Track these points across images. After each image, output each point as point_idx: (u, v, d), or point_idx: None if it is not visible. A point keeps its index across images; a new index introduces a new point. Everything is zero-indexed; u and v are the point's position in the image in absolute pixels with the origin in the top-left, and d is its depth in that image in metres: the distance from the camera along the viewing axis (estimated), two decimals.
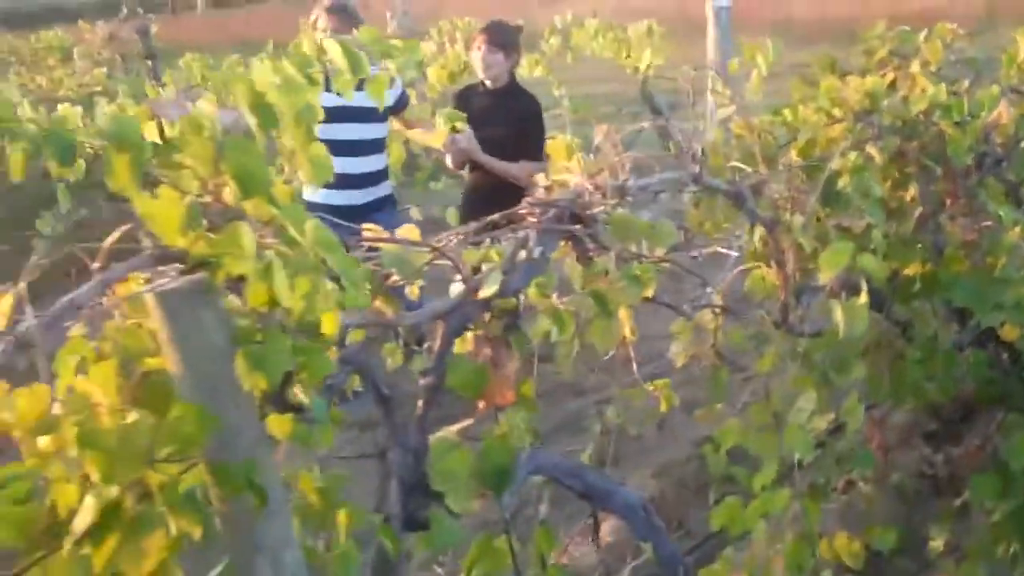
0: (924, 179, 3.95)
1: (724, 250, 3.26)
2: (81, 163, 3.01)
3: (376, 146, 5.47)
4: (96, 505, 1.48)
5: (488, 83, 5.63)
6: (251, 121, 1.75)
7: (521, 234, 2.34)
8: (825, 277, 2.86)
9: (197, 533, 1.57)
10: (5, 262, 2.47)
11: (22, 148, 2.40)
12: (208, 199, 1.72)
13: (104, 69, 8.98)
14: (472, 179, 5.70)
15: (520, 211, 2.43)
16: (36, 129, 2.40)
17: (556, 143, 2.96)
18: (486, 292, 2.17)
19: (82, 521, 1.47)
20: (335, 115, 5.09)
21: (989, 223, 3.88)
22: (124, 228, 1.65)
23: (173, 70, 9.14)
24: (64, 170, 2.53)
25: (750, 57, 3.94)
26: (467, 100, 5.72)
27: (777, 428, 3.13)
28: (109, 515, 1.48)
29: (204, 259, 1.65)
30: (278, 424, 1.67)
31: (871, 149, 3.63)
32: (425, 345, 2.32)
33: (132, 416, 1.49)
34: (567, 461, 2.42)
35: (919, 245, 3.69)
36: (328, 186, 4.85)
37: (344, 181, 5.12)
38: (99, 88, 8.01)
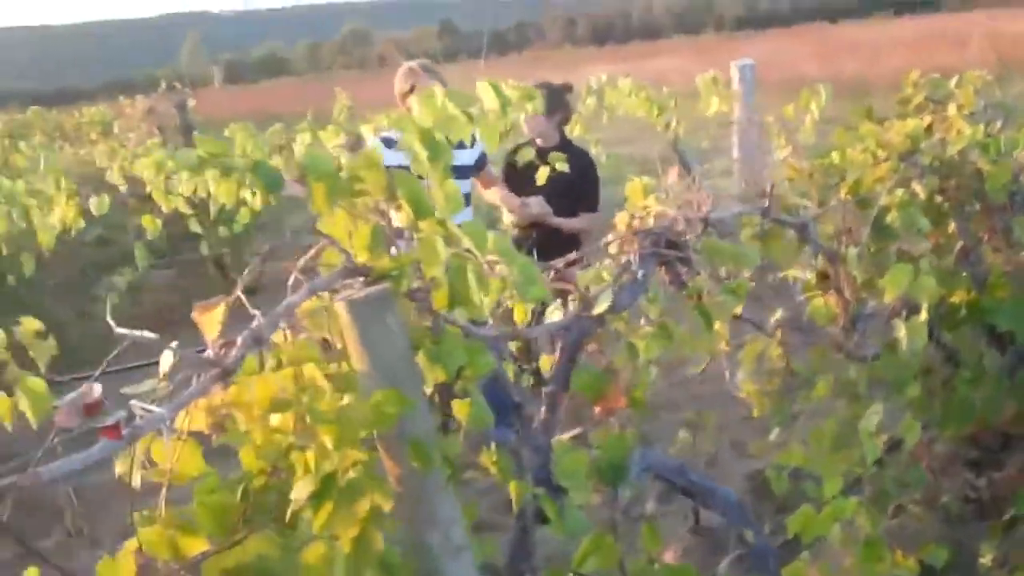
0: (962, 215, 4.23)
1: (796, 273, 3.50)
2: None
3: (467, 200, 5.75)
4: (317, 477, 1.75)
5: (539, 142, 5.90)
6: (419, 153, 2.04)
7: (624, 259, 2.62)
8: (890, 297, 3.13)
9: (388, 506, 1.84)
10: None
11: (235, 179, 2.72)
12: (382, 223, 2.01)
13: (158, 140, 9.36)
14: (526, 232, 5.91)
15: (620, 239, 2.71)
16: (243, 162, 2.71)
17: (633, 185, 3.26)
18: (599, 308, 2.45)
19: (304, 490, 1.74)
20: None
21: None
22: (321, 245, 1.94)
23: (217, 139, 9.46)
24: (268, 197, 2.82)
25: (805, 104, 4.23)
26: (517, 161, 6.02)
27: (837, 447, 3.38)
28: (327, 485, 1.75)
29: (386, 272, 1.93)
30: (459, 408, 1.95)
31: (915, 186, 3.92)
32: (533, 364, 2.59)
33: (347, 399, 1.77)
34: (673, 460, 2.68)
35: (963, 275, 3.96)
36: None
37: None
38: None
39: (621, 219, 3.07)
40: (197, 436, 1.91)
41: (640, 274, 2.60)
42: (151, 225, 5.55)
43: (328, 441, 1.69)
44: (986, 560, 4.19)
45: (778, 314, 3.40)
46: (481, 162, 5.73)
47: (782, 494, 3.39)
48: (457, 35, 76.27)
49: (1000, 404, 4.06)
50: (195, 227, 7.08)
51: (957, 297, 3.95)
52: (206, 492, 1.85)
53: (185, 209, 5.41)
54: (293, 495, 1.77)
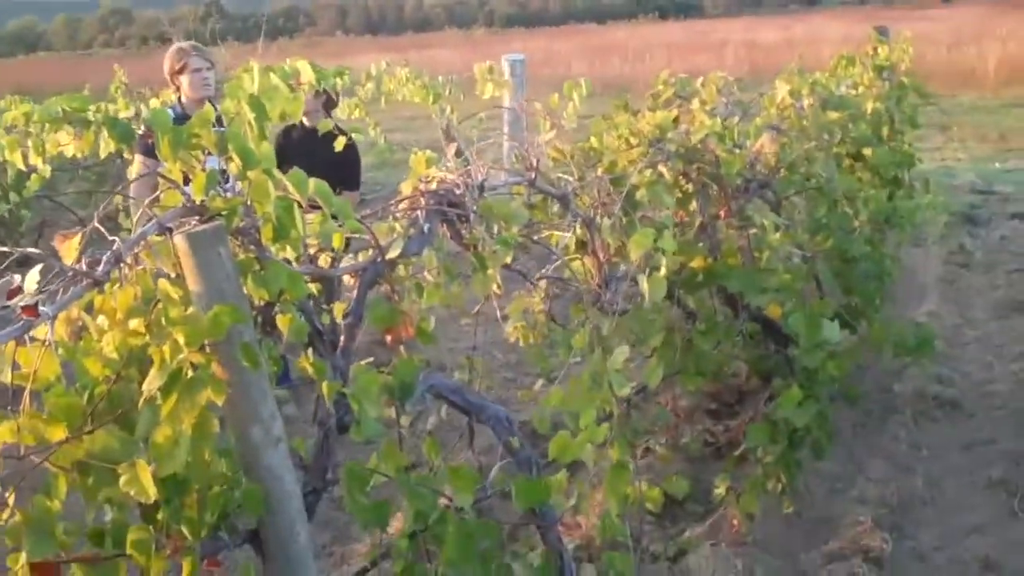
0: (704, 195, 4.85)
1: (559, 232, 4.01)
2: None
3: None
4: (162, 372, 2.14)
5: (305, 121, 6.31)
6: (246, 115, 2.44)
7: (414, 215, 3.08)
8: (634, 255, 3.67)
9: (221, 399, 2.25)
10: None
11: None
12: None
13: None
14: None
15: (411, 198, 3.17)
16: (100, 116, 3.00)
17: (418, 157, 3.73)
18: (392, 254, 2.90)
19: (155, 382, 2.13)
20: None
21: (755, 230, 4.83)
22: (164, 188, 2.32)
23: None
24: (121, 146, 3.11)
25: (568, 93, 4.77)
26: (287, 137, 6.45)
27: (591, 389, 3.92)
28: (174, 378, 2.14)
29: (219, 211, 2.33)
30: (283, 322, 2.36)
31: (662, 168, 4.50)
32: (332, 304, 3.03)
33: (191, 309, 2.17)
34: (453, 382, 3.15)
35: (700, 245, 4.57)
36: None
37: None
38: None
39: (406, 186, 3.52)
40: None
41: (426, 228, 3.05)
42: (38, 182, 5.60)
43: (180, 340, 2.08)
44: (720, 490, 4.83)
45: (543, 272, 3.90)
46: None
47: (546, 433, 3.90)
48: (225, 17, 74.82)
49: (730, 356, 4.71)
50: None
51: (695, 263, 4.56)
52: (56, 395, 2.21)
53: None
54: (145, 386, 2.15)
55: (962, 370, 6.41)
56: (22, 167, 4.45)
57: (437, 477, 2.91)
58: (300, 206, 2.44)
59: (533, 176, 3.77)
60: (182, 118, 5.69)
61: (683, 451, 5.35)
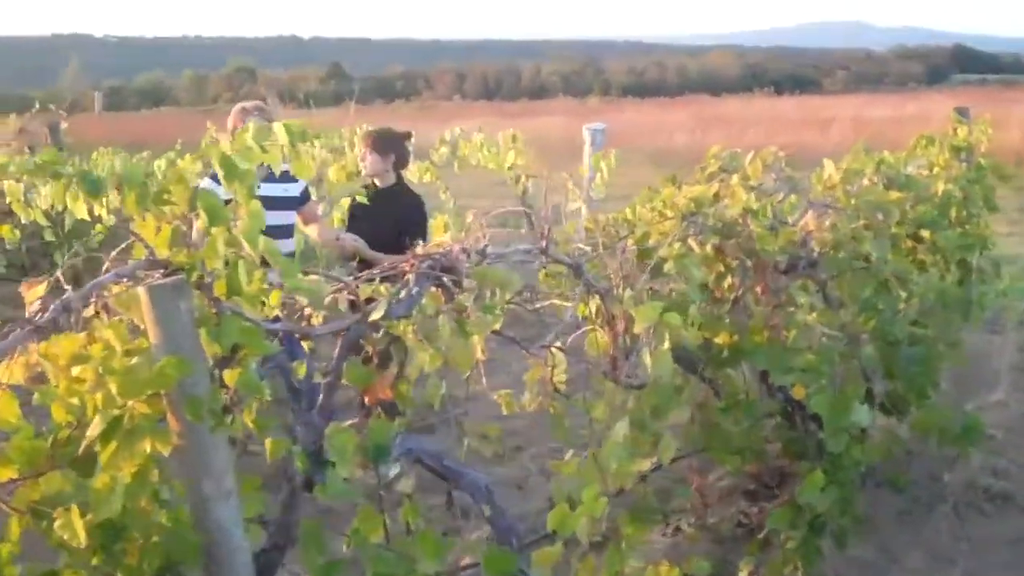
0: (742, 271, 4.81)
1: (562, 302, 4.01)
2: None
3: (286, 231, 6.19)
4: (103, 420, 2.19)
5: (376, 182, 6.42)
6: (221, 174, 2.50)
7: (405, 278, 3.12)
8: (639, 327, 3.66)
9: (167, 450, 2.29)
10: None
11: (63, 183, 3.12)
12: (184, 227, 2.47)
13: (19, 157, 9.58)
14: (360, 267, 6.39)
15: (404, 263, 3.21)
16: (72, 170, 3.12)
17: (437, 221, 3.79)
18: (375, 316, 2.94)
19: (95, 429, 2.18)
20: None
21: (792, 309, 4.77)
22: (130, 241, 2.39)
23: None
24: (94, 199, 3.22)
25: (596, 165, 4.80)
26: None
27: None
28: (114, 426, 2.19)
29: (182, 265, 2.39)
30: (230, 376, 2.41)
31: (691, 242, 4.49)
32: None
33: (135, 359, 2.22)
34: (431, 446, 3.16)
35: (727, 320, 4.53)
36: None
37: (261, 263, 5.86)
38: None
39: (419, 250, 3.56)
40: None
41: (415, 290, 3.09)
42: (9, 235, 5.87)
43: (113, 389, 2.14)
44: (743, 574, 4.73)
45: (546, 341, 3.90)
46: (304, 197, 6.21)
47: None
48: (343, 79, 76.50)
49: (756, 434, 4.63)
50: (50, 237, 7.36)
51: (720, 339, 4.52)
52: (21, 439, 2.28)
53: (43, 221, 5.74)
54: (88, 432, 2.21)
55: (1020, 462, 6.21)
56: (86, 217, 4.62)
57: (407, 543, 2.91)
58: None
59: (544, 245, 3.79)
60: None
61: (713, 532, 5.27)
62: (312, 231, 6.47)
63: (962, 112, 8.84)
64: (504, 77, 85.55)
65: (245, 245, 2.39)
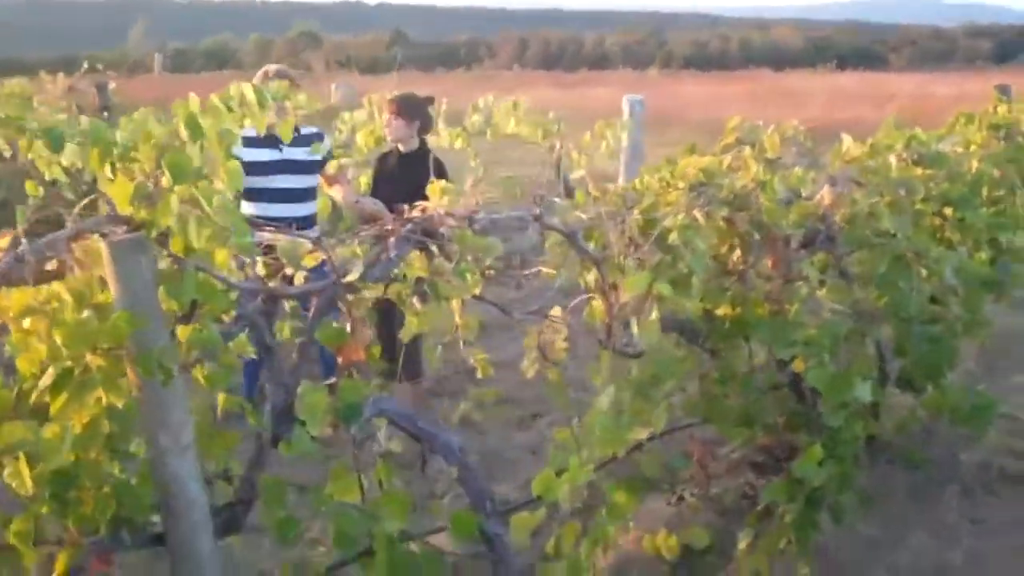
0: (751, 244, 4.78)
1: (546, 270, 4.00)
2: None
3: (308, 194, 6.26)
4: (55, 371, 2.24)
5: (400, 147, 6.45)
6: (184, 134, 2.54)
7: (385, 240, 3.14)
8: (625, 297, 3.67)
9: (121, 403, 2.34)
10: None
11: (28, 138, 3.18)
12: (150, 184, 2.51)
13: (64, 116, 9.69)
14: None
15: (386, 227, 3.23)
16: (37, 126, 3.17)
17: (433, 186, 3.80)
18: (351, 277, 2.97)
19: (46, 380, 2.23)
20: (274, 168, 5.91)
21: (799, 283, 4.74)
22: (93, 197, 2.44)
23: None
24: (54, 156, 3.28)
25: (600, 133, 4.78)
26: (384, 162, 6.59)
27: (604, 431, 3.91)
28: (63, 378, 2.24)
29: (143, 221, 2.43)
30: (183, 332, 2.45)
31: (697, 213, 4.46)
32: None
33: (86, 313, 2.27)
34: (403, 408, 3.19)
35: (728, 292, 4.51)
36: (267, 229, 5.68)
37: (283, 225, 5.92)
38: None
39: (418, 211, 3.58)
40: None
41: (394, 253, 3.11)
42: (33, 191, 5.94)
43: (59, 340, 2.18)
44: (742, 545, 4.72)
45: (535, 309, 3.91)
46: (327, 159, 6.24)
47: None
48: (407, 45, 76.41)
49: (758, 408, 4.61)
50: (69, 193, 7.42)
51: (722, 311, 4.50)
52: None
53: (63, 178, 5.80)
54: (40, 383, 2.26)
55: None
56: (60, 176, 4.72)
57: (372, 502, 2.95)
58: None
59: (538, 212, 3.79)
60: (257, 138, 5.89)
61: (717, 503, 5.26)
62: (335, 193, 6.52)
63: (1004, 90, 8.72)
64: (567, 46, 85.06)
65: (203, 203, 2.42)
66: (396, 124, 6.41)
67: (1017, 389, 6.85)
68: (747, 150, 5.12)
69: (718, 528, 4.95)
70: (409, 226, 3.22)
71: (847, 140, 5.59)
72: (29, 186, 6.08)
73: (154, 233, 2.42)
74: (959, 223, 6.43)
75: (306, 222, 6.24)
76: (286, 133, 3.34)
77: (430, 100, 6.69)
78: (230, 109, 2.64)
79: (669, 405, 4.37)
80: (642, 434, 4.29)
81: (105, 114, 11.03)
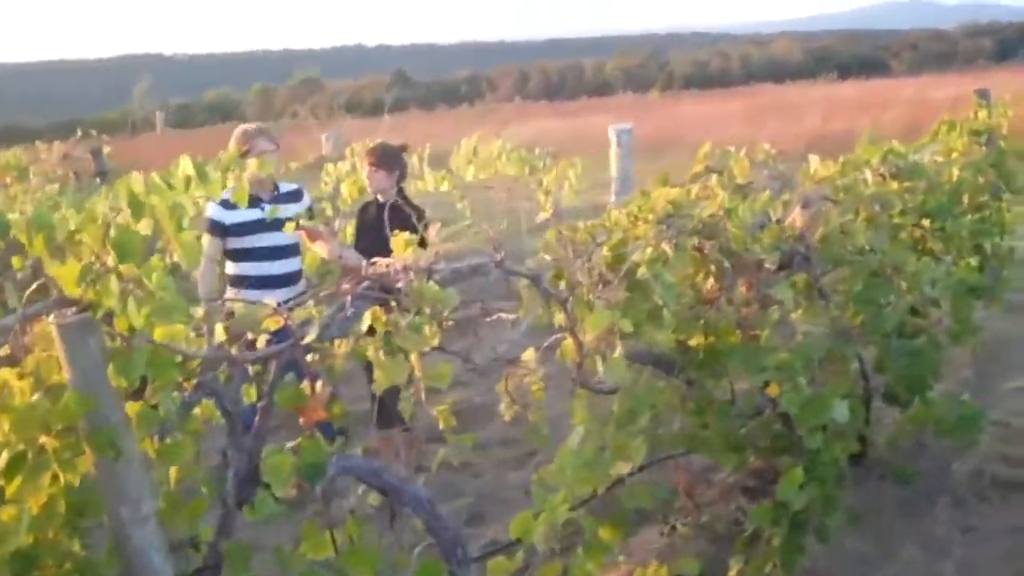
0: (723, 271, 4.84)
1: (506, 316, 4.05)
2: None
3: (292, 250, 6.34)
4: (8, 455, 2.31)
5: (380, 197, 6.55)
6: (129, 213, 2.62)
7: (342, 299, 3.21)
8: (589, 336, 3.72)
9: (76, 481, 2.41)
10: None
11: None
12: (97, 265, 2.58)
13: (56, 186, 9.81)
14: None
15: (343, 285, 3.30)
16: None
17: (398, 239, 3.87)
18: (308, 339, 3.04)
19: (1, 463, 2.31)
20: (256, 227, 5.99)
21: (774, 307, 4.79)
22: (41, 281, 2.52)
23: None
24: None
25: (563, 173, 4.85)
26: (365, 212, 6.71)
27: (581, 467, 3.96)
28: (18, 461, 2.31)
29: (90, 303, 2.51)
30: (131, 409, 2.52)
31: (665, 245, 4.52)
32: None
33: (36, 396, 2.34)
34: (369, 463, 3.24)
35: (702, 321, 4.56)
36: (255, 287, 5.79)
37: (269, 282, 6.03)
38: (51, 203, 8.95)
39: (376, 267, 3.65)
40: None
41: (351, 312, 3.18)
42: (19, 265, 6.04)
43: (6, 426, 2.26)
44: (732, 572, 4.76)
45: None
46: (310, 215, 6.33)
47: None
48: (408, 85, 76.90)
49: (737, 435, 4.64)
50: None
51: (694, 341, 4.55)
52: None
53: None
54: None
55: None
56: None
57: (340, 559, 3.01)
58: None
59: (500, 258, 3.85)
60: (250, 198, 6.01)
61: (709, 531, 5.29)
62: (320, 249, 6.60)
63: (983, 94, 8.77)
64: (567, 74, 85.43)
65: (147, 282, 2.49)
66: (379, 176, 6.51)
67: (1009, 395, 6.87)
68: (714, 178, 5.18)
69: (710, 556, 4.98)
70: (367, 283, 3.28)
71: (814, 161, 5.65)
72: (15, 261, 6.21)
73: (100, 313, 2.49)
74: (940, 233, 6.49)
75: (295, 277, 6.32)
76: (240, 198, 3.42)
77: (404, 148, 6.79)
78: (171, 186, 2.72)
79: (651, 437, 4.43)
80: (624, 468, 4.33)
81: (98, 180, 11.16)
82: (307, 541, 3.07)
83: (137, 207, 2.63)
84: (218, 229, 6.03)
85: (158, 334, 2.54)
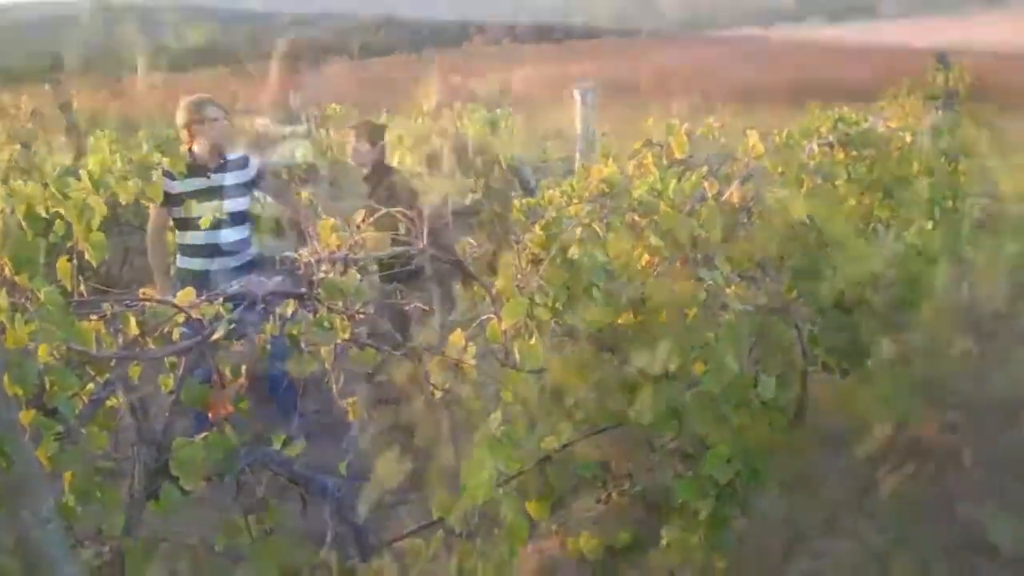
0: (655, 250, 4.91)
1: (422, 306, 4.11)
2: None
3: (240, 218, 6.37)
4: None
5: (364, 170, 6.74)
6: (25, 225, 2.68)
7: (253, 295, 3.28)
8: (506, 323, 3.79)
9: None
10: None
11: None
12: None
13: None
14: None
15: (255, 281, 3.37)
16: None
17: (323, 224, 3.93)
18: (216, 335, 3.11)
19: None
20: (201, 195, 6.04)
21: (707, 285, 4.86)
22: None
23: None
24: None
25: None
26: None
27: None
28: None
29: None
30: (26, 417, 2.59)
31: (595, 225, 4.59)
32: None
33: None
34: (279, 455, 3.32)
35: (632, 299, 4.62)
36: (203, 255, 5.88)
37: (214, 251, 6.10)
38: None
39: (303, 255, 3.71)
40: None
41: (260, 308, 3.25)
42: None
43: None
44: (664, 543, 4.85)
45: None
46: (260, 177, 6.40)
47: None
48: (395, 26, 76.12)
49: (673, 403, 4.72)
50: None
51: (622, 320, 4.61)
52: None
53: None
54: None
55: (974, 413, 6.21)
56: None
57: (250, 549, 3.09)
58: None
59: (423, 245, 3.91)
60: (195, 168, 6.07)
61: (645, 499, 5.37)
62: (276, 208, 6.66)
63: (941, 58, 8.80)
64: (557, 16, 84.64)
65: (39, 293, 2.56)
66: (361, 149, 6.75)
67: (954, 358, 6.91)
68: (648, 156, 5.24)
69: (647, 524, 5.06)
70: (280, 277, 3.35)
71: (753, 136, 5.69)
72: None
73: None
74: (888, 200, 6.55)
75: (238, 247, 6.36)
76: (156, 193, 3.47)
77: (384, 125, 7.06)
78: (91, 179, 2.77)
79: (583, 412, 4.50)
80: (553, 444, 4.42)
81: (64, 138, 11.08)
82: (227, 534, 3.15)
83: (35, 221, 2.69)
84: (163, 198, 6.08)
85: (42, 351, 2.60)
